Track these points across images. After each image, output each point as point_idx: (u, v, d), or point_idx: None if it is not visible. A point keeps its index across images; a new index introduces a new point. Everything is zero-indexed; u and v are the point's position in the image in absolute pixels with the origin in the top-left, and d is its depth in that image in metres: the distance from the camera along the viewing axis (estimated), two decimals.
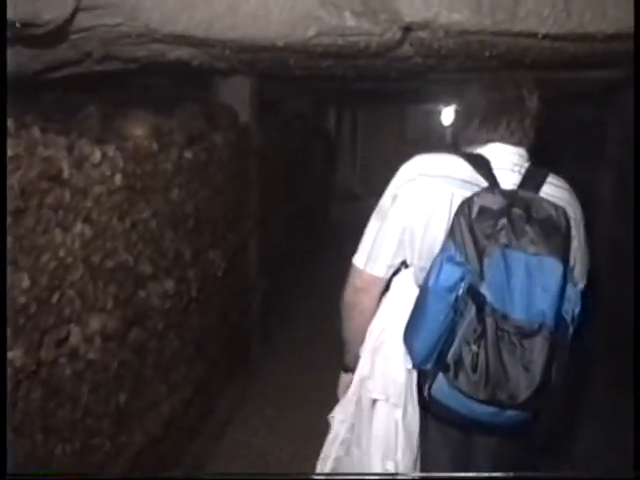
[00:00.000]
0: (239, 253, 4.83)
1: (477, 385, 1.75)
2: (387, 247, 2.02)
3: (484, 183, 1.93)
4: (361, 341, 2.15)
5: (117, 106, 3.14)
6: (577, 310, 1.90)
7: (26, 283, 1.94)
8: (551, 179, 2.01)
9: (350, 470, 2.12)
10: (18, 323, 1.93)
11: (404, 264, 2.05)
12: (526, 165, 2.02)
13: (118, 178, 2.52)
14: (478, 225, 1.79)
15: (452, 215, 1.86)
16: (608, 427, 4.37)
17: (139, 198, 2.75)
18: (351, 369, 2.21)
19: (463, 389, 1.77)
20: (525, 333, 1.75)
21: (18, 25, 1.94)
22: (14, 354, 1.90)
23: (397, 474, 2.06)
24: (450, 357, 1.79)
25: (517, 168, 2.00)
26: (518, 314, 1.75)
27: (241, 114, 5.00)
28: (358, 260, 2.08)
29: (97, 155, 2.34)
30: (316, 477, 2.39)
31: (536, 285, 1.76)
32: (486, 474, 2.12)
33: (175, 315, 3.34)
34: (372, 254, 2.04)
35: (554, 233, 1.80)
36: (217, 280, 4.09)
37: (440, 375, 1.82)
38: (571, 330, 1.91)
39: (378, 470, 2.03)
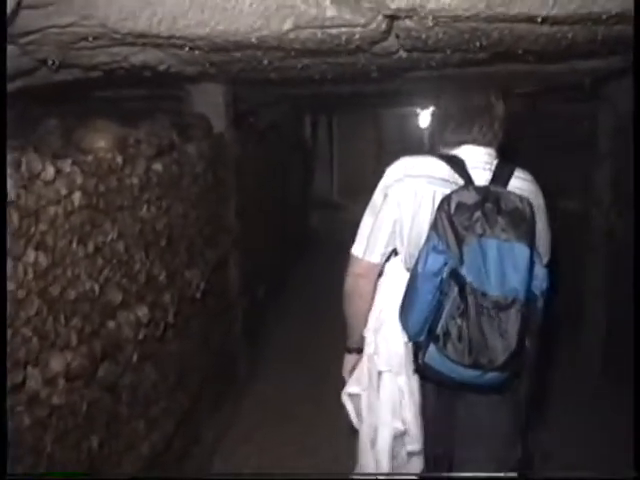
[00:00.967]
0: (218, 270, 4.54)
1: (462, 352, 2.10)
2: (381, 238, 2.37)
3: (460, 181, 2.28)
4: (363, 323, 2.49)
5: (81, 119, 2.86)
6: (545, 286, 2.27)
7: None
8: (517, 173, 2.36)
9: (365, 433, 2.46)
10: None
11: (394, 252, 2.41)
12: (495, 163, 2.36)
13: (77, 196, 2.23)
14: (456, 218, 2.11)
15: (435, 209, 2.20)
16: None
17: (103, 218, 2.47)
18: (354, 350, 2.58)
19: (451, 356, 2.12)
20: (501, 307, 2.08)
21: None
22: None
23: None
24: (439, 330, 2.14)
25: (488, 166, 2.35)
26: (494, 291, 2.08)
27: (215, 124, 4.73)
28: (357, 250, 2.43)
29: (50, 171, 2.06)
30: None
31: (508, 266, 2.09)
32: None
33: (151, 344, 3.05)
34: (369, 244, 2.39)
35: (521, 222, 2.14)
36: (195, 302, 3.81)
37: (431, 346, 2.17)
38: (540, 303, 2.28)
39: (389, 430, 2.38)
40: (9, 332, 1.88)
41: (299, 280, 8.42)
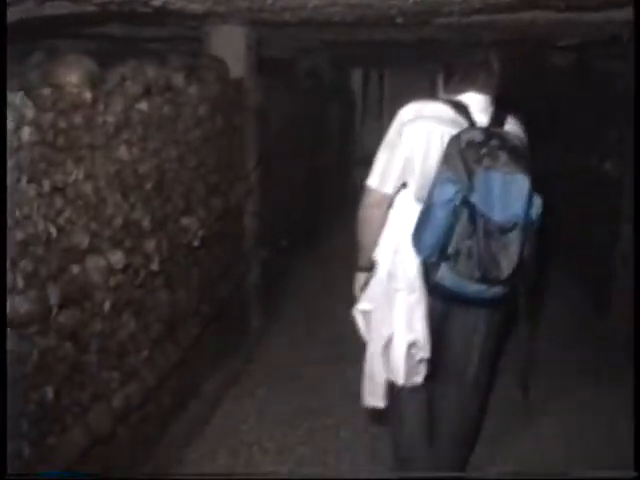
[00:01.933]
0: (228, 219, 4.38)
1: (472, 269, 2.43)
2: (394, 171, 2.65)
3: (464, 122, 2.59)
4: (373, 247, 2.80)
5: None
6: (539, 212, 2.57)
7: None
8: (509, 118, 2.72)
9: (375, 343, 2.77)
10: None
11: (404, 185, 2.68)
12: (491, 109, 2.72)
13: (25, 132, 2.06)
14: (466, 153, 2.41)
15: (443, 147, 2.50)
16: None
17: (64, 156, 2.30)
18: (365, 269, 2.86)
19: (462, 273, 2.47)
20: (504, 229, 2.40)
21: None
22: None
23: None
24: (450, 250, 2.45)
25: (486, 111, 2.69)
26: (499, 216, 2.40)
27: (233, 68, 4.53)
28: (372, 182, 2.71)
29: None
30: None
31: (510, 195, 2.40)
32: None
33: (129, 292, 2.90)
34: (383, 177, 2.67)
35: (520, 157, 2.45)
36: (193, 250, 3.65)
37: (443, 265, 2.49)
38: (536, 226, 2.58)
39: (404, 341, 2.66)
40: None
41: (332, 234, 8.22)
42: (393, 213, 2.76)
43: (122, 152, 2.70)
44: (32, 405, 2.26)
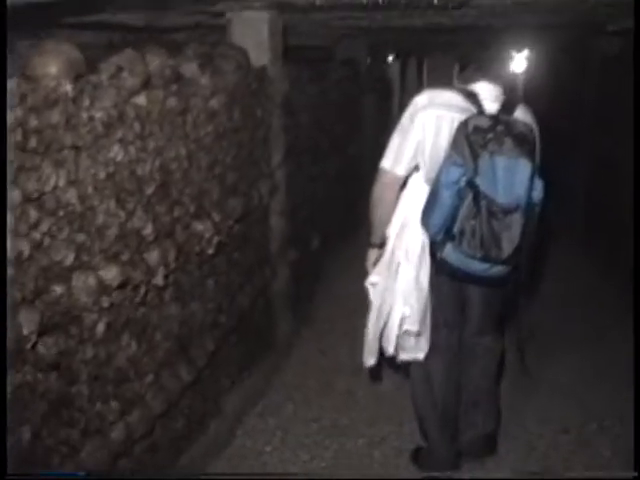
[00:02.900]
0: (252, 221, 4.04)
1: (475, 247, 2.59)
2: (407, 154, 2.85)
3: (474, 110, 2.74)
4: (386, 225, 2.98)
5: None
6: (541, 196, 2.74)
7: None
8: (520, 107, 2.86)
9: (386, 311, 2.96)
10: None
11: (416, 168, 2.89)
12: (502, 97, 2.85)
13: None
14: (473, 138, 2.56)
15: (452, 132, 2.65)
16: None
17: (38, 160, 1.96)
18: (377, 245, 3.07)
19: (466, 251, 2.63)
20: (507, 211, 2.56)
21: None
22: None
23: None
24: (455, 229, 2.61)
25: (496, 99, 2.82)
26: (502, 198, 2.56)
27: (256, 56, 4.17)
28: (385, 164, 2.93)
29: None
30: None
31: (514, 178, 2.56)
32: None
33: (128, 311, 2.57)
34: (397, 159, 2.88)
35: (525, 143, 2.61)
36: (208, 257, 3.31)
37: (448, 244, 2.66)
38: (538, 209, 2.76)
39: (398, 313, 2.89)
40: None
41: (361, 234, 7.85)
42: (404, 193, 2.99)
43: (115, 152, 2.35)
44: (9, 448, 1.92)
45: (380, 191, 3.02)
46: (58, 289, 2.11)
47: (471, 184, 2.60)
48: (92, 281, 2.24)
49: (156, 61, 2.81)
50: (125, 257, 2.48)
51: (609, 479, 2.85)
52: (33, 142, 1.92)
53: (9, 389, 1.93)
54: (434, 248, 2.81)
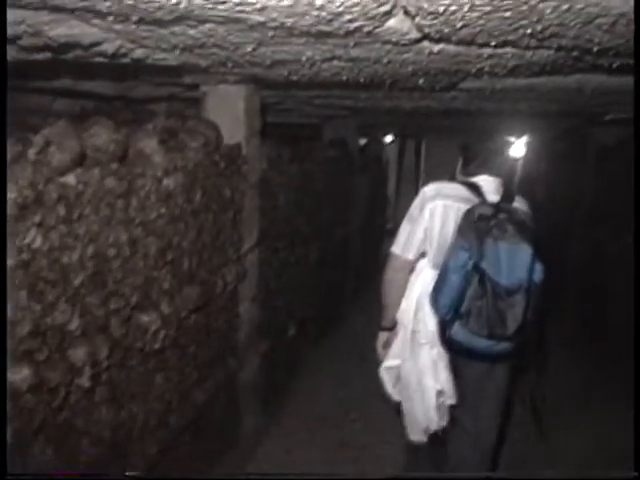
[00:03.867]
0: (214, 310, 3.70)
1: (482, 326, 2.82)
2: (416, 241, 3.09)
3: (477, 201, 3.02)
4: (397, 307, 3.17)
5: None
6: (541, 277, 2.91)
7: None
8: (517, 198, 3.16)
9: (407, 392, 3.17)
10: None
11: (423, 254, 3.12)
12: (501, 189, 3.15)
13: None
14: (478, 225, 2.84)
15: (457, 221, 2.94)
16: None
17: None
18: (388, 328, 3.26)
19: (473, 330, 2.85)
20: (510, 292, 2.80)
21: None
22: None
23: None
24: (463, 309, 2.85)
25: (496, 191, 3.13)
26: (505, 280, 2.81)
27: (229, 133, 3.92)
28: (396, 249, 3.14)
29: None
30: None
31: (515, 262, 2.82)
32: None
33: (41, 418, 2.20)
34: (406, 245, 3.10)
35: (525, 229, 2.89)
36: (155, 354, 2.97)
37: (456, 323, 2.89)
38: (539, 289, 2.91)
39: (432, 390, 3.07)
40: None
41: (353, 317, 7.51)
42: (413, 278, 3.16)
43: (31, 238, 2.03)
44: None
45: (391, 275, 3.20)
46: None
47: (477, 267, 2.80)
48: None
49: (102, 135, 2.53)
50: (41, 356, 2.13)
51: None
52: None
53: None
54: (443, 327, 2.98)
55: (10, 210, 1.94)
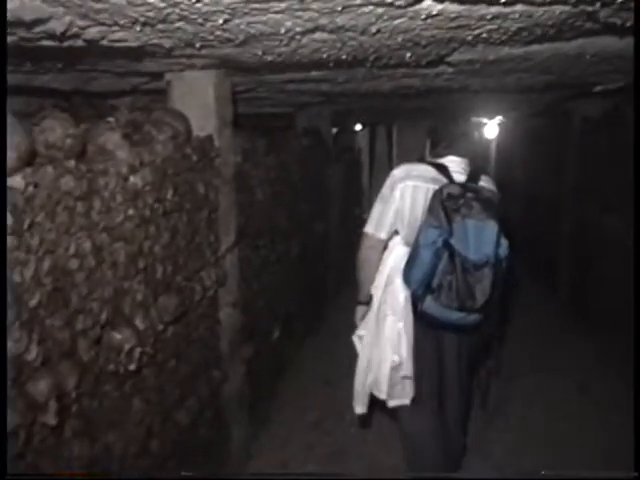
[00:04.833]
0: (193, 320, 3.36)
1: (452, 299, 2.96)
2: (387, 220, 3.28)
3: (445, 180, 3.17)
4: (371, 283, 3.36)
5: None
6: (506, 252, 3.09)
7: None
8: (483, 177, 3.32)
9: (375, 360, 3.29)
10: None
11: (395, 232, 3.31)
12: (468, 169, 3.34)
13: None
14: (447, 204, 2.98)
15: (427, 201, 3.09)
16: None
17: None
18: (364, 303, 3.45)
19: (444, 303, 2.98)
20: (478, 266, 2.95)
21: None
22: None
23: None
24: (434, 284, 2.98)
25: (463, 170, 3.31)
26: (473, 256, 2.95)
27: (199, 124, 3.58)
28: (369, 229, 3.34)
29: None
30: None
31: (482, 238, 2.97)
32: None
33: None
34: (378, 225, 3.30)
35: (491, 207, 3.02)
36: (132, 374, 2.62)
37: (428, 297, 3.02)
38: (504, 263, 3.10)
39: (389, 361, 3.21)
40: None
41: (337, 313, 7.19)
42: (386, 254, 3.33)
43: None
44: None
45: (365, 253, 3.38)
46: None
47: (447, 244, 2.94)
48: None
49: (56, 130, 2.18)
50: None
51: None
52: None
53: None
54: (415, 301, 3.12)
55: None
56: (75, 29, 2.22)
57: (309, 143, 6.53)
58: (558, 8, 2.22)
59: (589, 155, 6.74)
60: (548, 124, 8.59)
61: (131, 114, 3.30)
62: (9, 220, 1.79)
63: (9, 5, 1.86)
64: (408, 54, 3.18)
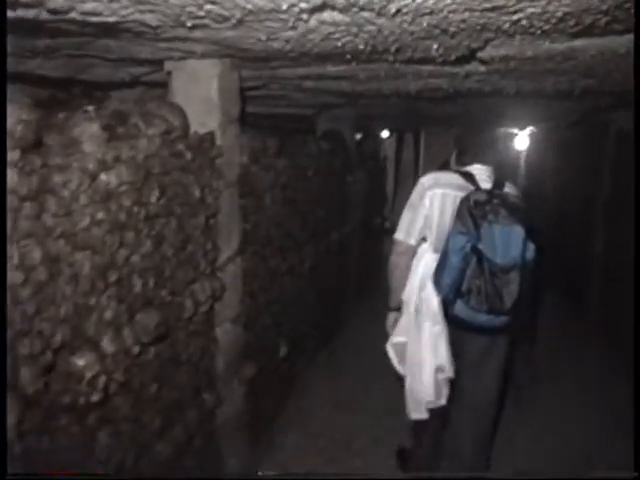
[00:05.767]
0: (181, 339, 2.99)
1: (481, 302, 3.02)
2: (417, 227, 3.32)
3: (472, 188, 3.21)
4: (401, 289, 3.37)
5: None
6: (532, 255, 3.12)
7: None
8: (507, 184, 3.37)
9: (410, 369, 3.35)
10: None
11: (424, 239, 3.34)
12: (493, 176, 3.37)
13: None
14: (474, 211, 3.03)
15: (454, 208, 3.13)
16: None
17: None
18: (395, 308, 3.46)
19: (473, 306, 3.05)
20: (505, 270, 3.00)
21: None
22: None
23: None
24: (464, 288, 3.05)
25: (489, 178, 3.35)
26: (501, 260, 3.00)
27: (197, 119, 3.21)
28: (399, 236, 3.37)
29: None
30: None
31: (509, 243, 3.01)
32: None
33: None
34: (408, 231, 3.34)
35: (517, 212, 3.07)
36: (97, 405, 2.24)
37: (458, 301, 3.10)
38: (531, 267, 3.12)
39: (431, 365, 3.25)
40: None
41: (355, 327, 6.80)
42: (415, 261, 3.34)
43: None
44: None
45: (395, 259, 3.41)
46: None
47: (475, 249, 2.99)
48: None
49: (12, 116, 1.81)
50: None
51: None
52: None
53: None
54: (446, 305, 3.19)
55: None
56: None
57: (329, 147, 6.12)
58: None
59: (624, 170, 6.28)
60: (581, 136, 8.13)
61: (121, 104, 2.95)
62: None
63: None
64: (435, 45, 2.79)
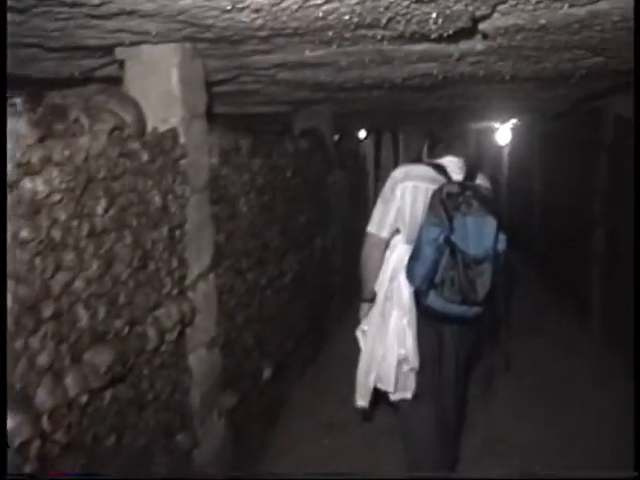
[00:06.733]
0: (147, 374, 2.51)
1: (455, 293, 3.01)
2: (389, 220, 3.28)
3: (443, 180, 3.19)
4: (374, 280, 3.34)
5: None
6: (504, 247, 3.13)
7: None
8: (479, 175, 3.34)
9: (380, 354, 3.26)
10: None
11: (397, 231, 3.30)
12: (465, 168, 3.34)
13: None
14: (447, 202, 3.02)
15: (427, 200, 3.11)
16: None
17: None
18: (367, 300, 3.42)
19: (447, 297, 3.03)
20: (478, 261, 3.00)
21: None
22: None
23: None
24: (437, 279, 3.02)
25: (460, 170, 3.31)
26: (473, 251, 3.00)
27: (156, 114, 2.75)
28: (371, 228, 3.34)
29: None
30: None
31: (482, 234, 3.02)
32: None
33: None
34: (380, 224, 3.31)
35: (489, 204, 3.08)
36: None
37: (431, 292, 3.06)
38: (502, 258, 3.14)
39: (395, 354, 3.19)
40: None
41: (341, 340, 6.32)
42: (388, 253, 3.36)
43: None
44: None
45: (368, 251, 3.39)
46: None
47: (448, 241, 2.99)
48: None
49: None
50: None
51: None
52: None
53: None
54: (419, 296, 3.14)
55: None
56: None
57: (307, 146, 5.64)
58: None
59: (620, 159, 5.87)
60: (573, 125, 7.72)
61: (63, 98, 2.47)
62: None
63: None
64: (433, 14, 2.34)
